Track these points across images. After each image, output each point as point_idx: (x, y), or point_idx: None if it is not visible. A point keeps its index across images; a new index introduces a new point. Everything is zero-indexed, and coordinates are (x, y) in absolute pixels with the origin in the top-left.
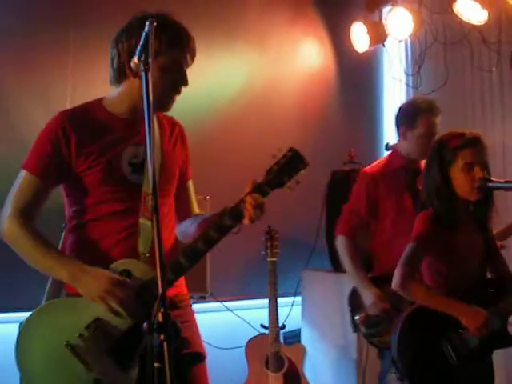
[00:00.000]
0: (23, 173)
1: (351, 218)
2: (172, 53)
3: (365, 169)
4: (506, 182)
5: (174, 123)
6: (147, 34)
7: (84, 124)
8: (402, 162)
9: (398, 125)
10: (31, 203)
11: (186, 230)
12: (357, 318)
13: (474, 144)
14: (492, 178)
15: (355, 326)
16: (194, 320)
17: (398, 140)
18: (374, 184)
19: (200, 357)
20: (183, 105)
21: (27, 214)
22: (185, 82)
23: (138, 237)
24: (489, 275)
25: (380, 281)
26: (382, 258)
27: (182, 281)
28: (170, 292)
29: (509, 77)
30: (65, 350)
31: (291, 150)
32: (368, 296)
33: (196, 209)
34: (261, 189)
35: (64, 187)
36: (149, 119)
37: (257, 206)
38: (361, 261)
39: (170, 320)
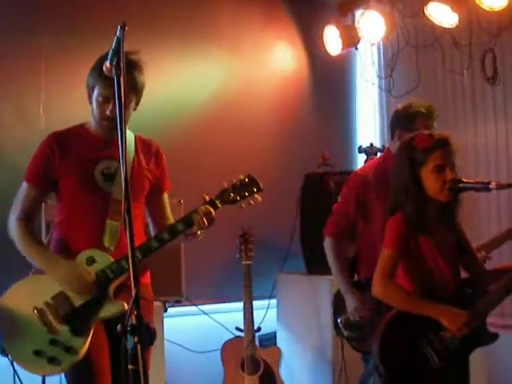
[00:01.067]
0: (24, 184)
1: (339, 219)
2: (102, 87)
3: (356, 170)
4: (476, 182)
5: (149, 144)
6: (119, 39)
7: (67, 142)
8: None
9: (392, 127)
10: (31, 208)
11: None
12: (340, 320)
13: (444, 146)
14: (462, 179)
15: (337, 329)
16: (152, 308)
17: (392, 141)
18: (365, 186)
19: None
20: (157, 109)
21: (28, 217)
22: (111, 112)
23: (104, 234)
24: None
25: (365, 284)
26: (369, 260)
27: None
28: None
29: (480, 79)
30: (33, 313)
31: (248, 176)
32: (351, 301)
33: (170, 218)
34: (213, 202)
35: (54, 194)
36: (121, 121)
37: (205, 215)
38: (346, 264)
39: (143, 322)
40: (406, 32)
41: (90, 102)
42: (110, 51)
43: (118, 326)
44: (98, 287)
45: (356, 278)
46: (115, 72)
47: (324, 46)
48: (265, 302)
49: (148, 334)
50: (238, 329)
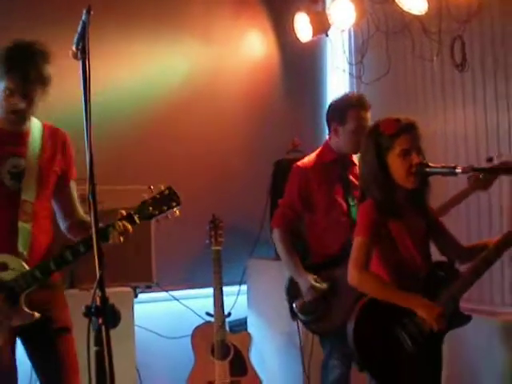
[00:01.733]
0: None
1: (285, 212)
2: (7, 80)
3: (297, 163)
4: (443, 166)
5: (56, 134)
6: (84, 23)
7: None
8: (333, 156)
9: (328, 121)
10: None
11: (72, 233)
12: (294, 305)
13: (410, 130)
14: (429, 163)
15: (293, 314)
16: (62, 296)
17: (329, 136)
18: (306, 177)
19: (66, 330)
20: (128, 96)
21: None
22: (15, 106)
23: (17, 238)
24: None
25: (315, 267)
26: (317, 248)
27: None
28: None
29: (449, 66)
30: None
31: (168, 188)
32: (304, 282)
33: (78, 210)
34: (131, 217)
35: None
36: (86, 104)
37: (121, 232)
38: (295, 251)
39: (107, 304)
40: (376, 18)
41: None
42: (76, 35)
43: (82, 307)
44: (11, 296)
45: (307, 262)
46: (81, 56)
47: (295, 33)
48: (235, 288)
49: (112, 316)
50: (208, 314)
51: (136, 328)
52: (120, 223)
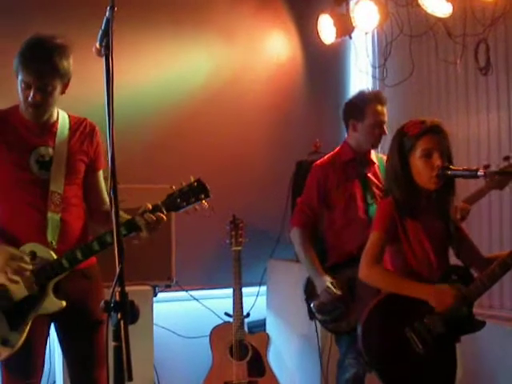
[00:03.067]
0: None
1: (304, 210)
2: (23, 74)
3: (316, 162)
4: (465, 169)
5: (83, 124)
6: (108, 20)
7: (3, 124)
8: (351, 155)
9: (346, 119)
10: None
11: (98, 223)
12: (312, 305)
13: (434, 131)
14: (451, 166)
15: (311, 314)
16: (100, 290)
17: (348, 133)
18: (324, 176)
19: (100, 323)
20: (150, 95)
21: None
22: (32, 99)
23: (46, 229)
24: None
25: (334, 269)
26: (335, 246)
27: None
28: (82, 265)
29: (473, 69)
30: None
31: (197, 180)
32: (321, 284)
33: (106, 201)
34: (158, 209)
35: None
36: (109, 102)
37: (152, 222)
38: (313, 251)
39: (127, 299)
40: (399, 21)
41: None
42: (100, 32)
43: (102, 303)
44: (39, 284)
45: (326, 265)
46: (104, 52)
47: (318, 35)
48: (255, 289)
49: (131, 312)
50: (226, 314)
51: (155, 327)
52: (150, 214)
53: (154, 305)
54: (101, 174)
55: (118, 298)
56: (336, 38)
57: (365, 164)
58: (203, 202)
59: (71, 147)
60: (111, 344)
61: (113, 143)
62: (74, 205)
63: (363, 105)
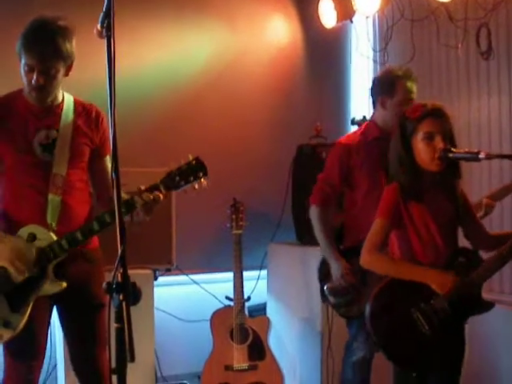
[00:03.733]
0: None
1: (324, 188)
2: (26, 57)
3: (339, 139)
4: (467, 152)
5: (89, 109)
6: (109, 1)
7: (6, 110)
8: (377, 133)
9: (374, 95)
10: None
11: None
12: (326, 287)
13: (435, 114)
14: (452, 149)
15: (323, 296)
16: (102, 273)
17: (374, 111)
18: (348, 154)
19: (101, 306)
20: (152, 79)
21: None
22: (36, 82)
23: (46, 210)
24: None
25: (350, 253)
26: (353, 229)
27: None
28: (84, 247)
29: (474, 54)
30: None
31: (196, 159)
32: (336, 268)
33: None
34: (156, 187)
35: None
36: (110, 84)
37: (149, 201)
38: (332, 232)
39: (129, 280)
40: (400, 5)
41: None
42: (101, 14)
43: (104, 284)
44: (38, 265)
45: (342, 247)
46: (106, 33)
47: (319, 19)
48: (255, 273)
49: (133, 293)
50: (227, 298)
51: (155, 311)
52: (147, 194)
53: (155, 289)
54: (107, 159)
55: (120, 279)
56: (337, 21)
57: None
58: (202, 180)
59: (75, 130)
60: (113, 326)
61: (114, 126)
62: (78, 189)
63: (393, 80)
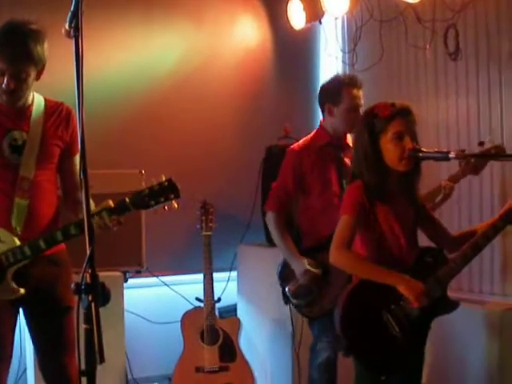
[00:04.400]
0: None
1: (279, 194)
2: None
3: (291, 146)
4: (436, 152)
5: (59, 108)
6: (77, 1)
7: None
8: (327, 138)
9: (321, 103)
10: None
11: (70, 210)
12: (287, 289)
13: (404, 114)
14: (422, 148)
15: (286, 298)
16: (69, 276)
17: (323, 118)
18: (300, 160)
19: (68, 309)
20: (119, 79)
21: None
22: (6, 86)
23: (11, 214)
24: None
25: (308, 253)
26: (310, 231)
27: None
28: (49, 251)
29: (443, 55)
30: None
31: (168, 180)
32: (298, 265)
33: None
34: (124, 206)
35: None
36: (78, 85)
37: (102, 226)
38: (290, 234)
39: (98, 281)
40: (369, 6)
41: None
42: (69, 13)
43: (72, 285)
44: None
45: (301, 248)
46: (73, 34)
47: (288, 20)
48: (225, 275)
49: (102, 294)
50: (197, 299)
51: (125, 313)
52: (99, 218)
53: (125, 291)
54: (77, 158)
55: (88, 280)
56: (306, 22)
57: (341, 148)
58: (173, 202)
59: (45, 131)
60: (82, 327)
61: (82, 127)
62: (46, 190)
63: (339, 88)
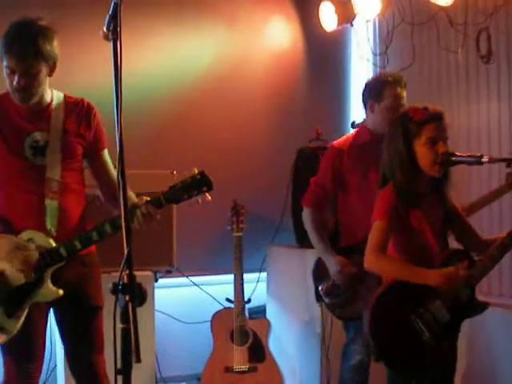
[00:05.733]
0: None
1: (316, 191)
2: (7, 58)
3: (332, 143)
4: (469, 156)
5: (79, 104)
6: (116, 4)
7: None
8: (368, 137)
9: (364, 100)
10: None
11: (109, 203)
12: (320, 288)
13: (438, 119)
14: (455, 153)
15: (318, 296)
16: (99, 276)
17: (366, 115)
18: (340, 157)
19: (98, 308)
20: (152, 82)
21: None
22: (17, 84)
23: (45, 216)
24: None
25: (346, 251)
26: (348, 230)
27: None
28: (83, 252)
29: (475, 58)
30: None
31: (200, 173)
32: (333, 264)
33: (113, 174)
34: (158, 201)
35: None
36: (117, 86)
37: (146, 215)
38: (325, 232)
39: (135, 281)
40: (401, 9)
41: None
42: (107, 16)
43: (109, 285)
44: (36, 272)
45: (338, 247)
46: (111, 36)
47: (319, 22)
48: (255, 275)
49: (139, 294)
50: (228, 300)
51: (156, 313)
52: (144, 206)
53: (155, 291)
54: (105, 152)
55: (125, 280)
56: (337, 25)
57: (381, 147)
58: (206, 194)
59: (66, 130)
60: (119, 326)
61: (121, 127)
62: (74, 191)
63: (382, 86)
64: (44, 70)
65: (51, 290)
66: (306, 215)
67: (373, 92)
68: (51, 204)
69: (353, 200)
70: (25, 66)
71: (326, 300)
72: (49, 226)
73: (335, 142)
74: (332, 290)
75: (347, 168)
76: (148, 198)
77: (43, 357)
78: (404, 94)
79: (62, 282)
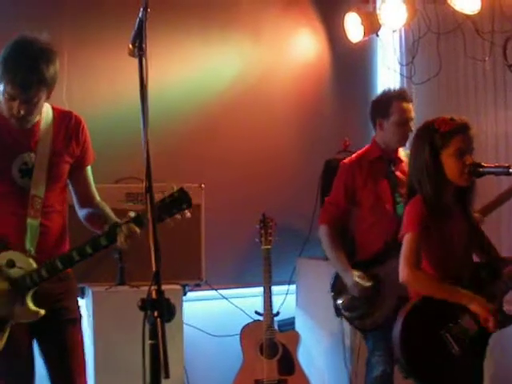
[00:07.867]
0: None
1: (330, 209)
2: (7, 85)
3: (343, 160)
4: (497, 166)
5: (68, 118)
6: (141, 20)
7: None
8: (379, 152)
9: (373, 119)
10: None
11: (84, 219)
12: (339, 302)
13: (465, 130)
14: (482, 163)
15: (338, 311)
16: (75, 289)
17: (375, 132)
18: (352, 174)
19: (75, 321)
20: (179, 95)
21: None
22: (17, 112)
23: (25, 235)
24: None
25: (360, 266)
26: (363, 244)
27: None
28: None
29: (502, 66)
30: None
31: (180, 190)
32: (349, 278)
33: (95, 195)
34: (140, 220)
35: None
36: (143, 104)
37: (129, 235)
38: (342, 247)
39: (163, 297)
40: (427, 18)
41: None
42: (133, 31)
43: (138, 301)
44: (16, 293)
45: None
46: (137, 53)
47: (345, 33)
48: (284, 288)
49: (168, 310)
50: (257, 313)
51: (184, 326)
52: (125, 228)
53: (184, 304)
54: (89, 169)
55: (154, 295)
56: (363, 36)
57: (393, 162)
58: (186, 212)
59: (54, 148)
60: (148, 342)
61: (147, 143)
62: (56, 210)
63: (388, 102)
64: (44, 96)
65: (32, 311)
66: (322, 232)
67: (380, 110)
68: (32, 223)
69: (366, 214)
70: (28, 95)
71: (345, 313)
72: (28, 247)
73: (346, 160)
74: (350, 304)
75: (359, 184)
76: (133, 215)
77: (33, 377)
78: (410, 107)
79: (41, 299)
